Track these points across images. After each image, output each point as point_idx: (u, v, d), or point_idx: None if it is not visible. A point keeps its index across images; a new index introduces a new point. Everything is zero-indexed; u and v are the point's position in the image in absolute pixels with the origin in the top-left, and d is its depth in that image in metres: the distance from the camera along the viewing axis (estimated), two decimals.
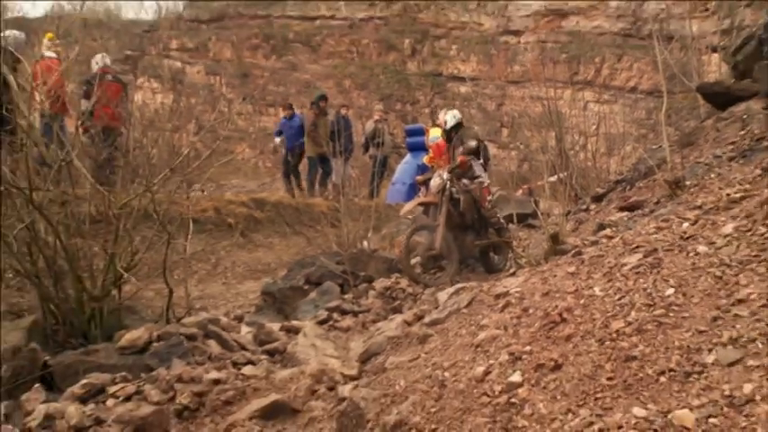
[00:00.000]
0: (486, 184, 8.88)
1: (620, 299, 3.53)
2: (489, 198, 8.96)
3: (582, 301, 3.69)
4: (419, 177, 9.72)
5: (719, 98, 9.30)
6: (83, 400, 4.49)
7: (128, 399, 4.45)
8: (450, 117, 9.21)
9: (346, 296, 7.32)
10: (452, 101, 30.14)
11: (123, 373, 4.79)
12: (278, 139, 15.44)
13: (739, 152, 6.54)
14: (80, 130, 7.69)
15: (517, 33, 33.15)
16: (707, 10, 23.70)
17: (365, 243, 9.40)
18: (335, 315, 6.54)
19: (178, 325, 5.78)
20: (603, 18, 31.25)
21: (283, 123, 15.40)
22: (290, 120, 15.20)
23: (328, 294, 7.44)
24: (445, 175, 8.44)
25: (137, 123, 8.99)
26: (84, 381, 4.65)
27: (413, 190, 13.17)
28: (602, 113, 17.68)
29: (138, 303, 6.88)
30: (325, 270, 8.09)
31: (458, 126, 9.17)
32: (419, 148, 14.29)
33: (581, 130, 14.36)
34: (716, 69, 13.13)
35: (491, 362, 3.51)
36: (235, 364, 5.02)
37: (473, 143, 8.78)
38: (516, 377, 3.24)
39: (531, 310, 3.96)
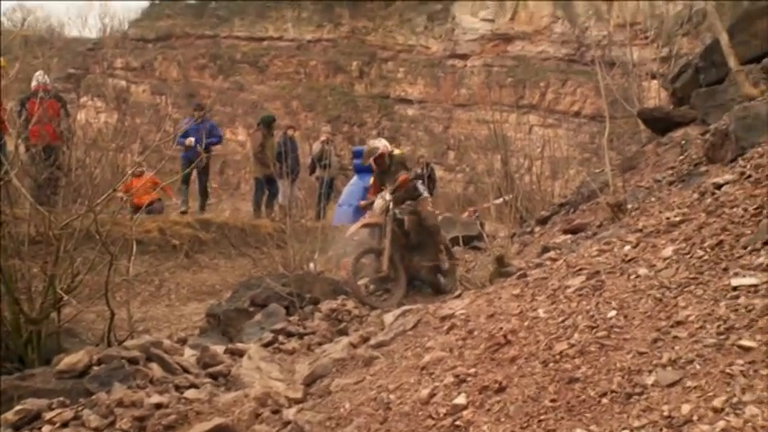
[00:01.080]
0: (428, 199, 8.94)
1: (563, 321, 3.56)
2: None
3: (526, 323, 3.71)
4: (362, 202, 9.64)
5: (659, 123, 9.53)
6: (17, 427, 4.33)
7: (65, 425, 4.27)
8: (387, 144, 9.14)
9: (292, 318, 7.22)
10: (400, 123, 30.39)
11: (61, 398, 4.59)
12: (187, 141, 13.62)
13: (678, 177, 6.69)
14: (20, 148, 7.48)
15: (464, 57, 33.63)
16: (646, 38, 24.35)
17: (311, 265, 9.30)
18: (281, 337, 6.44)
19: (119, 348, 5.58)
20: (548, 43, 31.95)
21: (192, 128, 13.02)
22: (200, 124, 13.23)
23: (274, 316, 7.33)
24: (387, 196, 8.42)
25: (79, 142, 8.78)
26: (18, 407, 4.45)
27: (359, 212, 13.12)
28: (546, 137, 18.00)
29: (78, 326, 6.72)
30: (271, 292, 7.96)
31: (390, 153, 9.12)
32: (366, 170, 14.24)
33: (526, 153, 14.58)
34: (655, 95, 13.45)
35: (436, 384, 3.50)
36: (177, 388, 4.88)
37: (417, 169, 8.86)
38: (461, 399, 3.23)
39: (476, 332, 3.97)
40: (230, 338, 7.17)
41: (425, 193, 8.93)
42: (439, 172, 22.22)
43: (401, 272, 8.29)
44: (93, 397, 4.58)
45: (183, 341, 6.90)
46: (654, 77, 14.11)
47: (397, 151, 9.28)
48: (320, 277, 8.55)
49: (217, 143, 14.40)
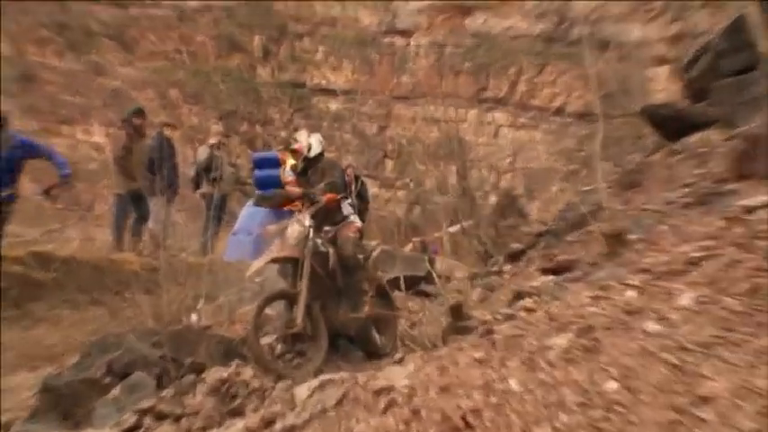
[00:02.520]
0: (357, 225, 9.07)
1: (544, 396, 3.54)
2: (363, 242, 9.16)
3: (494, 400, 3.69)
4: (271, 227, 9.63)
5: (670, 125, 9.59)
6: None
7: None
8: (315, 141, 9.19)
9: (165, 393, 7.08)
10: (319, 121, 30.37)
11: None
12: None
13: (697, 197, 6.72)
14: None
15: (406, 34, 33.92)
16: (652, 10, 24.77)
17: (194, 317, 9.30)
18: (148, 420, 6.31)
19: None
20: (519, 17, 32.40)
21: None
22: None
23: (139, 390, 7.18)
24: (307, 221, 8.33)
25: None
26: None
27: (262, 242, 13.02)
28: (518, 142, 18.21)
29: None
30: (136, 355, 7.79)
31: (319, 156, 9.21)
32: (272, 185, 14.17)
33: (491, 163, 14.71)
34: (664, 87, 13.71)
35: None
36: None
37: (336, 179, 8.85)
38: None
39: (424, 412, 3.94)
40: (75, 423, 7.02)
41: (353, 218, 9.00)
42: (372, 188, 22.16)
43: (321, 327, 8.16)
44: None
45: (5, 428, 6.74)
46: (662, 63, 14.40)
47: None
48: (206, 334, 8.45)
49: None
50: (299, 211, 8.69)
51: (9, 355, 9.58)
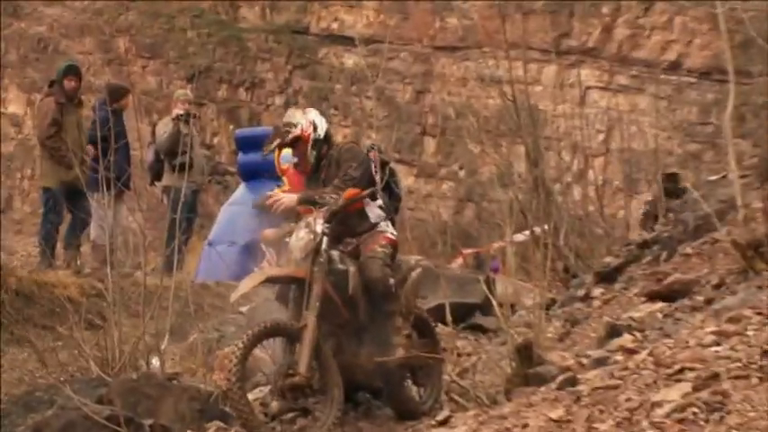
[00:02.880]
0: (388, 236, 8.86)
1: None
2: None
3: None
4: (268, 232, 9.47)
5: None
6: None
7: None
8: (315, 117, 9.04)
9: None
10: (329, 83, 30.29)
11: None
12: None
13: None
14: None
15: None
16: None
17: (154, 361, 9.31)
18: None
19: None
20: None
21: None
22: None
23: None
24: (319, 227, 8.20)
25: None
26: None
27: (250, 255, 13.19)
28: (615, 111, 18.11)
29: None
30: (74, 416, 7.92)
31: (327, 139, 9.10)
32: (263, 174, 14.16)
33: (575, 142, 14.66)
34: None
35: None
36: None
37: (355, 171, 8.67)
38: None
39: None
40: None
41: (383, 225, 8.87)
42: (406, 179, 21.95)
43: (335, 375, 8.13)
44: None
45: None
46: None
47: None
48: (173, 386, 8.54)
49: None
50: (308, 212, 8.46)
51: None
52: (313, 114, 9.06)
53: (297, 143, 8.67)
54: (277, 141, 8.81)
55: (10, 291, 11.94)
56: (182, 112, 16.04)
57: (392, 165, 9.59)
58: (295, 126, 8.67)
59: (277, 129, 9.01)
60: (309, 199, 8.49)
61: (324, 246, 8.15)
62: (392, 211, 9.09)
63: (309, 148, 8.72)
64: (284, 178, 10.10)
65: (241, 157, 15.81)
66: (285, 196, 8.75)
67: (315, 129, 8.86)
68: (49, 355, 10.38)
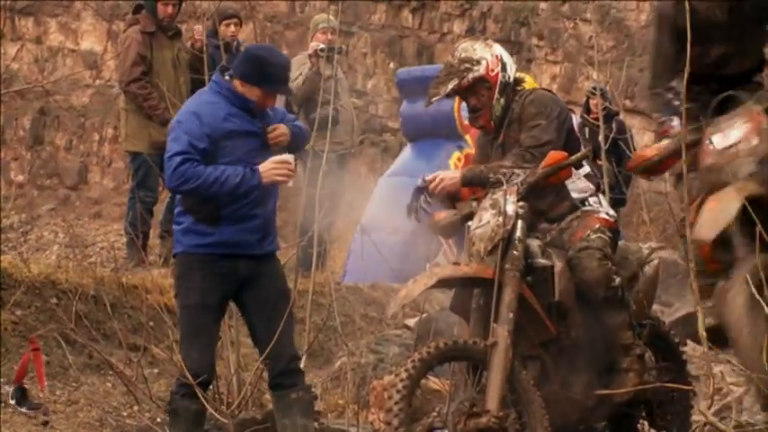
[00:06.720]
0: (606, 217, 7.65)
1: None
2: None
3: None
4: (439, 214, 8.02)
5: None
6: None
7: None
8: (502, 52, 7.84)
9: None
10: (528, 1, 27.83)
11: None
12: None
13: None
14: None
15: None
16: None
17: None
18: None
19: None
20: None
21: None
22: None
23: None
24: (510, 207, 6.94)
25: None
26: None
27: (418, 247, 12.63)
28: None
29: None
30: None
31: (516, 83, 7.88)
32: (438, 132, 13.35)
33: None
34: None
35: None
36: None
37: (545, 132, 7.47)
38: None
39: None
40: None
41: (593, 203, 7.68)
42: (642, 135, 20.39)
43: (538, 412, 6.88)
44: None
45: None
46: None
47: (528, 79, 8.81)
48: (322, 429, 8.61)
49: None
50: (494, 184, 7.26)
51: None
52: (499, 49, 8.00)
53: (477, 87, 7.57)
54: (453, 84, 7.55)
55: (86, 298, 10.91)
56: (322, 45, 14.38)
57: (621, 116, 8.21)
58: (477, 63, 7.55)
59: (450, 66, 7.63)
60: (478, 177, 7.48)
61: (518, 233, 7.07)
62: (618, 184, 8.18)
63: (497, 94, 7.64)
64: (467, 138, 8.57)
65: (405, 107, 14.40)
66: (447, 175, 7.74)
67: (504, 68, 7.84)
68: (142, 387, 9.49)
